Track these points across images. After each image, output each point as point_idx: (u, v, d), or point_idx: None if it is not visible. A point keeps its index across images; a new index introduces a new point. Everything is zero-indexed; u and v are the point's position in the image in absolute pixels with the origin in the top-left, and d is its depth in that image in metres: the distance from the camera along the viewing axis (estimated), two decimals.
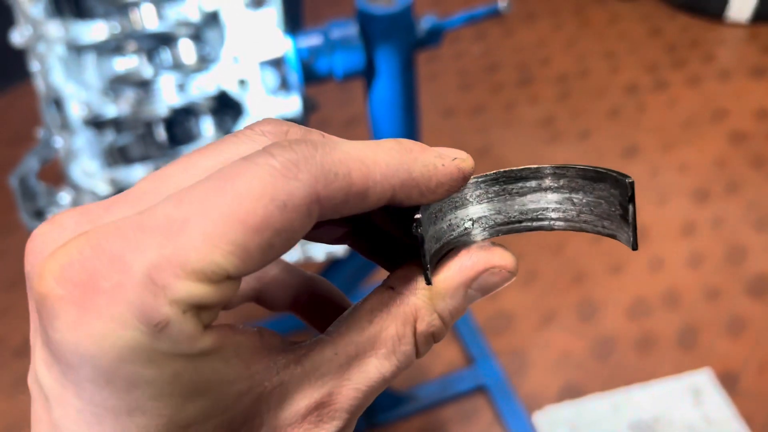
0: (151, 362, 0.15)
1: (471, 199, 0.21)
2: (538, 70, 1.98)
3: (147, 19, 0.69)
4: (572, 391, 1.20)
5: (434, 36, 0.80)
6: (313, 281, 0.25)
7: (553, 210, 0.21)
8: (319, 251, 0.77)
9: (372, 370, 0.19)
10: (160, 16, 0.69)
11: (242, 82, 0.71)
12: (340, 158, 0.17)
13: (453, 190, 0.19)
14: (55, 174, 0.80)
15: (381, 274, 0.22)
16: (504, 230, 0.22)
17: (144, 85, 0.72)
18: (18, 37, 0.72)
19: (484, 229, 0.22)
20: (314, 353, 0.18)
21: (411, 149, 0.19)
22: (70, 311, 0.14)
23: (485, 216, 0.22)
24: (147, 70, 0.71)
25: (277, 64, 0.72)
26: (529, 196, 0.21)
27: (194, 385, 0.15)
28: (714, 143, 1.68)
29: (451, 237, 0.21)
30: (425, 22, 0.79)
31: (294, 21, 0.88)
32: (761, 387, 1.18)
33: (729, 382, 1.19)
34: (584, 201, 0.21)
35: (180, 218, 0.15)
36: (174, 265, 0.15)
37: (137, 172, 0.71)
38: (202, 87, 0.71)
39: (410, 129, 0.86)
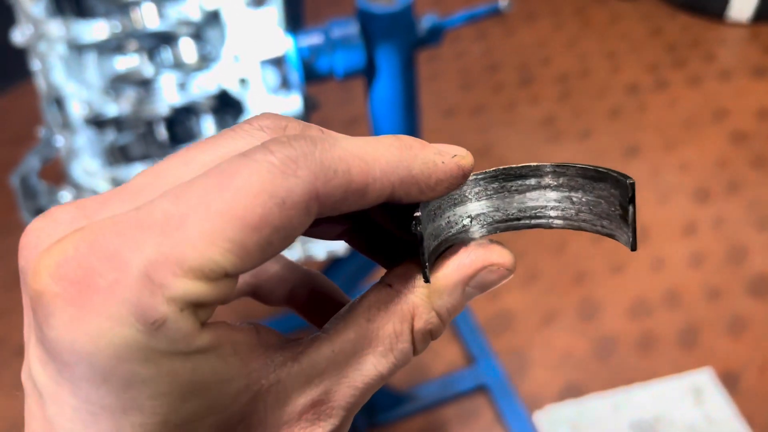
0: (148, 360, 0.14)
1: (470, 196, 0.21)
2: (539, 69, 1.98)
3: (148, 18, 0.69)
4: (573, 391, 1.20)
5: (435, 35, 0.80)
6: (310, 276, 0.25)
7: (552, 208, 0.21)
8: (320, 250, 0.77)
9: (369, 367, 0.19)
10: (161, 15, 0.69)
11: (243, 81, 0.71)
12: (340, 155, 0.17)
13: (452, 187, 0.19)
14: (56, 173, 0.80)
15: (381, 273, 0.22)
16: (502, 227, 0.22)
17: (145, 84, 0.72)
18: (19, 36, 0.72)
19: (482, 227, 0.22)
20: (311, 350, 0.18)
21: (411, 146, 0.18)
22: (65, 309, 0.14)
23: (484, 213, 0.22)
24: (148, 69, 0.71)
25: (277, 63, 0.72)
26: (528, 194, 0.21)
27: (191, 384, 0.15)
28: (715, 143, 1.67)
29: (450, 234, 0.21)
30: (426, 21, 0.79)
31: (295, 20, 0.88)
32: (762, 386, 1.18)
33: (730, 381, 1.19)
34: (584, 200, 0.21)
35: (178, 215, 0.15)
36: (171, 263, 0.14)
37: (138, 171, 0.71)
38: (203, 86, 0.71)
39: (411, 128, 0.86)
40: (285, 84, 0.73)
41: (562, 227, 0.21)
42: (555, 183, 0.21)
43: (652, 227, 1.47)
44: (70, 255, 0.15)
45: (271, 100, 0.72)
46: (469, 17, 0.81)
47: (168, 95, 0.71)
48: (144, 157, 0.74)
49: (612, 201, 0.20)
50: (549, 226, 0.21)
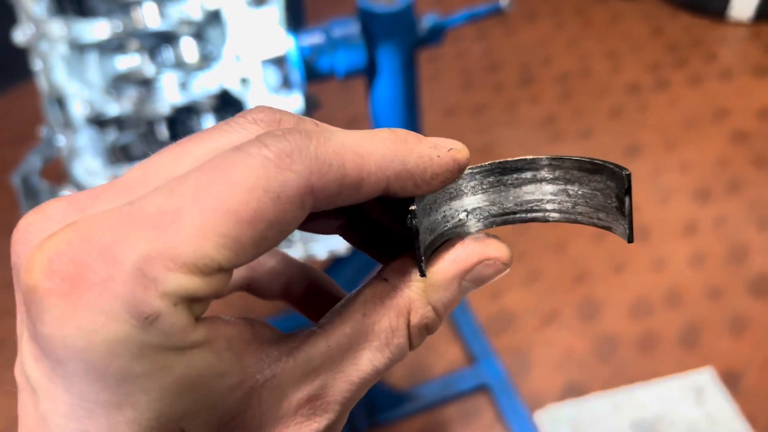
0: (142, 356, 0.14)
1: (466, 190, 0.21)
2: (540, 69, 1.98)
3: (149, 17, 0.69)
4: (574, 390, 1.20)
5: (435, 34, 0.80)
6: (305, 270, 0.25)
7: (549, 201, 0.21)
8: (321, 249, 0.77)
9: (365, 362, 0.18)
10: (162, 14, 0.69)
11: (244, 81, 0.71)
12: (335, 149, 0.17)
13: (448, 181, 0.19)
14: (58, 172, 0.80)
15: None
16: (499, 221, 0.22)
17: (146, 84, 0.72)
18: (20, 36, 0.72)
19: (478, 221, 0.21)
20: (307, 345, 0.18)
21: (406, 139, 0.18)
22: (58, 305, 0.14)
23: (480, 207, 0.21)
24: (149, 69, 0.71)
25: (278, 62, 0.72)
26: (524, 188, 0.21)
27: (185, 379, 0.15)
28: (716, 142, 1.67)
29: (446, 228, 0.21)
30: (426, 20, 0.79)
31: (296, 19, 0.88)
32: (763, 386, 1.18)
33: (731, 381, 1.19)
34: (580, 192, 0.21)
35: (171, 209, 0.15)
36: (165, 258, 0.14)
37: None
38: (204, 85, 0.71)
39: (411, 128, 0.86)
40: (286, 83, 0.73)
41: (558, 220, 0.21)
42: (551, 176, 0.21)
43: (652, 227, 1.47)
44: (62, 250, 0.14)
45: (273, 100, 0.72)
46: (469, 17, 0.81)
47: (169, 95, 0.71)
48: (145, 157, 0.74)
49: (608, 193, 0.20)
50: (545, 220, 0.21)
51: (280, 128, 0.17)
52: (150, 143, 0.75)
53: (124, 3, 0.69)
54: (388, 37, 0.76)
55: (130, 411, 0.15)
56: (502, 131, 1.77)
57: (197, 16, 0.70)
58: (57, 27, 0.68)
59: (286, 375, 0.17)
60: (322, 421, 0.18)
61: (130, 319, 0.14)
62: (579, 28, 2.14)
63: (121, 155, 0.74)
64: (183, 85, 0.71)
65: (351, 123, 1.78)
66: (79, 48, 0.70)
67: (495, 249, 0.20)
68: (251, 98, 0.71)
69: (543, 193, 0.21)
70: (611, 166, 0.20)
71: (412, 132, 0.19)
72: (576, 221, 0.21)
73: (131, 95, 0.71)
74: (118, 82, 0.72)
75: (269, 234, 0.15)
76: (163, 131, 0.74)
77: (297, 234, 0.76)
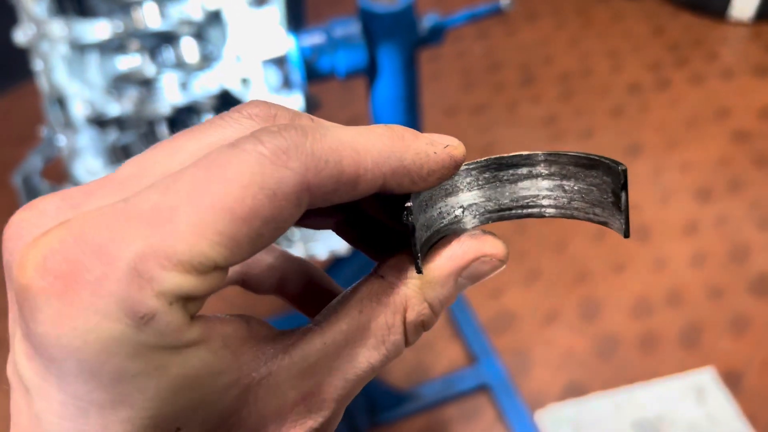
0: (137, 355, 0.14)
1: (462, 186, 0.21)
2: (541, 69, 1.98)
3: (150, 17, 0.69)
4: (575, 390, 1.20)
5: (436, 34, 0.80)
6: (299, 265, 0.25)
7: (545, 197, 0.21)
8: (322, 249, 0.77)
9: (361, 359, 0.18)
10: (162, 14, 0.69)
11: (245, 81, 0.71)
12: (331, 145, 0.16)
13: (444, 177, 0.19)
14: (59, 172, 0.80)
15: None
16: (494, 217, 0.22)
17: (147, 84, 0.72)
18: (21, 36, 0.72)
19: (474, 217, 0.21)
20: (303, 343, 0.18)
21: (402, 136, 0.18)
22: (52, 304, 0.14)
23: (476, 203, 0.21)
24: (150, 69, 0.71)
25: (279, 62, 0.72)
26: (520, 183, 0.21)
27: (181, 377, 0.15)
28: (717, 142, 1.67)
29: (442, 225, 0.21)
30: (427, 20, 0.79)
31: (296, 19, 0.88)
32: (764, 386, 1.18)
33: (732, 380, 1.19)
34: (576, 188, 0.21)
35: (167, 207, 0.15)
36: (160, 256, 0.14)
37: None
38: (205, 86, 0.71)
39: (412, 127, 0.86)
40: (287, 83, 0.73)
41: (554, 216, 0.21)
42: (547, 172, 0.21)
43: (653, 226, 1.47)
44: (56, 248, 0.14)
45: (273, 100, 0.72)
46: (470, 16, 0.81)
47: (170, 95, 0.71)
48: None
49: (604, 188, 0.20)
50: (541, 215, 0.21)
51: (276, 124, 0.17)
52: (151, 143, 0.75)
53: (125, 3, 0.69)
54: (388, 37, 0.76)
55: (125, 410, 0.15)
56: (502, 131, 1.77)
57: (198, 16, 0.70)
58: (58, 27, 0.68)
59: (282, 373, 0.17)
60: (317, 418, 0.18)
61: (125, 319, 0.14)
62: (580, 28, 2.14)
63: (121, 155, 0.74)
64: (183, 86, 0.71)
65: (351, 123, 1.77)
66: (79, 48, 0.70)
67: (491, 246, 0.20)
68: (252, 98, 0.71)
69: (539, 188, 0.21)
70: (607, 162, 0.20)
71: (408, 128, 0.19)
72: (572, 216, 0.21)
73: (132, 95, 0.71)
74: (119, 82, 0.72)
75: (265, 231, 0.15)
76: (163, 131, 0.74)
77: (297, 233, 0.77)
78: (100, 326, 0.14)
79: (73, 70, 0.70)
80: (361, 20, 0.76)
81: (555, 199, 0.21)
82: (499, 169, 0.21)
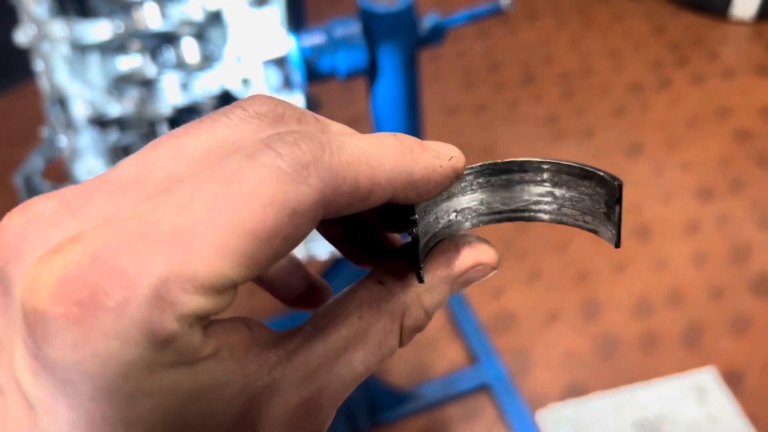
0: (153, 374, 0.14)
1: (456, 191, 0.22)
2: (542, 68, 1.98)
3: (150, 18, 0.69)
4: (576, 390, 1.20)
5: (437, 34, 0.80)
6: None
7: (535, 203, 0.22)
8: (323, 250, 0.77)
9: (358, 363, 0.19)
10: (163, 15, 0.69)
11: (245, 81, 0.71)
12: (348, 159, 0.16)
13: (445, 188, 0.19)
14: (60, 173, 0.80)
15: None
16: (486, 220, 0.22)
17: (147, 85, 0.72)
18: (22, 36, 0.72)
19: (467, 220, 0.22)
20: (305, 349, 0.18)
21: (411, 149, 0.18)
22: (70, 330, 0.14)
23: (469, 207, 0.22)
24: (150, 69, 0.71)
25: (280, 62, 0.72)
26: (512, 188, 0.22)
27: (192, 391, 0.15)
28: (718, 141, 1.67)
29: (437, 229, 0.21)
30: (428, 20, 0.79)
31: (297, 19, 0.88)
32: (765, 386, 1.18)
33: (733, 380, 1.19)
34: (567, 195, 0.21)
35: (186, 227, 0.14)
36: (183, 280, 0.14)
37: None
38: (206, 86, 0.71)
39: (413, 127, 0.86)
40: (287, 84, 0.73)
41: (544, 220, 0.22)
42: (539, 178, 0.21)
43: (654, 226, 1.47)
44: (72, 272, 0.14)
45: None
46: (470, 16, 0.81)
47: (170, 95, 0.71)
48: None
49: (597, 199, 0.21)
50: (531, 219, 0.22)
51: (290, 131, 0.16)
52: None
53: (126, 4, 0.69)
54: (389, 37, 0.76)
55: (138, 427, 0.15)
56: (503, 131, 1.77)
57: (198, 16, 0.70)
58: (59, 28, 0.68)
59: (284, 380, 0.17)
60: (316, 421, 0.18)
61: (146, 343, 0.14)
62: (580, 27, 2.14)
63: (122, 156, 0.74)
64: (184, 86, 0.71)
65: (352, 123, 1.77)
66: (80, 49, 0.70)
67: (486, 254, 0.21)
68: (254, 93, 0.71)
69: (531, 194, 0.22)
70: (602, 174, 0.20)
71: (413, 138, 0.19)
72: (561, 222, 0.22)
73: (133, 96, 0.71)
74: (120, 83, 0.72)
75: (283, 249, 0.15)
76: (164, 132, 0.74)
77: None
78: (120, 352, 0.14)
79: (74, 71, 0.70)
80: (362, 20, 0.76)
81: (545, 204, 0.22)
82: (492, 174, 0.21)
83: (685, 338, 1.26)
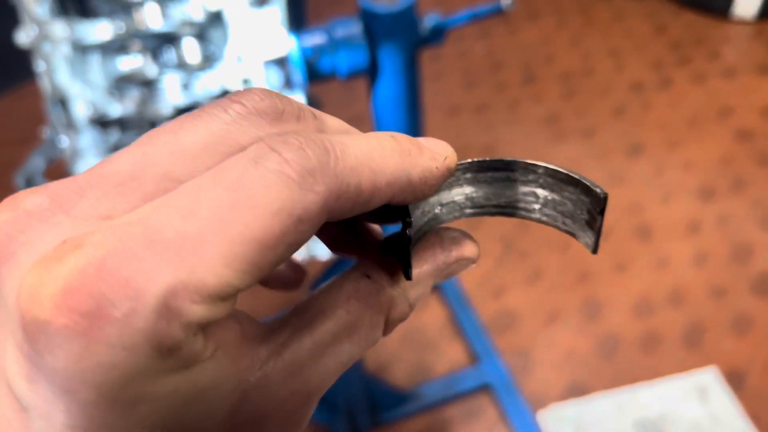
0: (155, 380, 0.14)
1: (443, 187, 0.22)
2: (542, 68, 1.98)
3: (151, 18, 0.69)
4: (577, 390, 1.20)
5: (437, 34, 0.80)
6: None
7: (517, 200, 0.22)
8: (324, 250, 0.77)
9: (344, 355, 0.19)
10: (164, 15, 0.69)
11: (246, 81, 0.71)
12: (352, 166, 0.16)
13: (439, 188, 0.20)
14: (61, 173, 0.80)
15: None
16: (469, 213, 0.23)
17: (148, 85, 0.72)
18: (23, 37, 0.72)
19: (449, 213, 0.22)
20: (294, 343, 0.18)
21: (410, 151, 0.18)
22: (76, 342, 0.13)
23: (454, 201, 0.22)
24: (151, 70, 0.71)
25: (280, 62, 0.72)
26: (496, 185, 0.22)
27: (190, 393, 0.15)
28: (719, 141, 1.67)
29: (422, 222, 0.22)
30: (428, 20, 0.79)
31: (297, 20, 0.88)
32: (767, 385, 1.18)
33: (735, 380, 1.18)
34: (550, 198, 0.22)
35: (193, 236, 0.14)
36: (190, 290, 0.14)
37: None
38: (206, 86, 0.71)
39: (414, 127, 0.86)
40: (288, 84, 0.73)
41: (524, 218, 0.22)
42: (524, 178, 0.22)
43: (655, 226, 1.47)
44: (77, 282, 0.13)
45: None
46: (471, 16, 0.81)
47: (171, 95, 0.71)
48: None
49: (579, 205, 0.21)
50: (512, 215, 0.23)
51: (293, 133, 0.16)
52: None
53: (127, 4, 0.69)
54: (389, 37, 0.76)
55: (137, 429, 0.15)
56: (504, 130, 1.77)
57: (199, 16, 0.70)
58: (60, 28, 0.68)
59: (275, 375, 0.17)
60: (303, 412, 0.18)
61: (151, 351, 0.14)
62: (581, 27, 2.13)
63: None
64: (185, 86, 0.71)
65: (353, 122, 1.76)
66: (81, 49, 0.70)
67: (469, 250, 0.22)
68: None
69: (514, 192, 0.22)
70: (587, 183, 0.20)
71: (410, 139, 0.19)
72: (540, 221, 0.22)
73: (134, 96, 0.71)
74: (121, 83, 0.72)
75: (287, 254, 0.15)
76: None
77: None
78: (126, 361, 0.14)
79: (75, 71, 0.70)
80: (362, 20, 0.76)
81: (528, 203, 0.22)
82: (479, 171, 0.22)
83: (687, 338, 1.26)
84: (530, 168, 0.21)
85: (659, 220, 1.48)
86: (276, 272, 0.25)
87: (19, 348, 0.14)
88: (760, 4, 2.02)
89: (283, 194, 0.15)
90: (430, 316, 1.33)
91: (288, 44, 0.72)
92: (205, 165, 0.16)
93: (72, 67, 0.70)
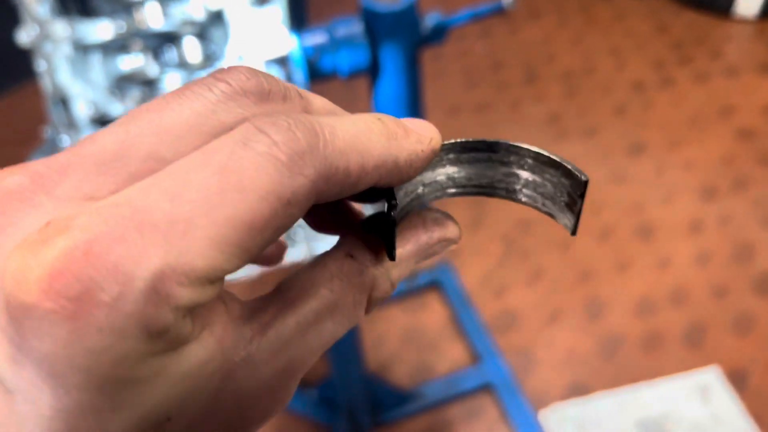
0: (143, 362, 0.14)
1: (427, 167, 0.22)
2: (544, 67, 1.97)
3: (152, 17, 0.69)
4: (579, 389, 1.20)
5: (439, 33, 0.79)
6: None
7: (498, 181, 0.22)
8: (325, 249, 0.77)
9: (327, 334, 0.19)
10: (165, 14, 0.69)
11: None
12: (341, 149, 0.16)
13: (424, 169, 0.20)
14: None
15: None
16: (451, 193, 0.23)
17: (150, 84, 0.72)
18: (24, 36, 0.72)
19: (431, 193, 0.23)
20: (278, 322, 0.18)
21: (395, 134, 0.18)
22: (63, 326, 0.13)
23: (437, 181, 0.23)
24: (152, 69, 0.71)
25: (282, 62, 0.72)
26: (477, 165, 0.22)
27: (176, 373, 0.15)
28: (721, 140, 1.67)
29: (406, 202, 0.22)
30: (430, 19, 0.79)
31: (299, 19, 0.88)
32: None
33: (737, 379, 1.18)
34: (530, 179, 0.22)
35: (182, 219, 0.14)
36: (179, 274, 0.14)
37: None
38: None
39: None
40: (289, 83, 0.73)
41: (503, 198, 0.23)
42: (505, 159, 0.22)
43: (657, 225, 1.47)
44: (64, 266, 0.13)
45: None
46: (473, 15, 0.81)
47: None
48: None
49: (560, 188, 0.21)
50: (492, 195, 0.23)
51: (281, 114, 0.16)
52: None
53: (128, 3, 0.69)
54: (391, 37, 0.76)
55: (124, 411, 0.15)
56: (506, 130, 1.76)
57: (200, 16, 0.70)
58: (61, 28, 0.68)
59: (259, 354, 0.17)
60: (287, 389, 0.18)
61: (140, 335, 0.14)
62: (583, 26, 2.13)
63: None
64: None
65: None
66: (82, 48, 0.70)
67: (451, 231, 0.22)
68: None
69: (495, 172, 0.22)
70: (569, 166, 0.20)
71: (396, 121, 0.19)
72: (520, 201, 0.22)
73: (135, 95, 0.71)
74: (122, 83, 0.72)
75: (274, 237, 0.15)
76: None
77: (301, 233, 0.77)
78: (114, 345, 0.14)
79: (76, 71, 0.70)
80: (364, 19, 0.76)
81: (508, 184, 0.22)
82: (462, 151, 0.22)
83: (688, 338, 1.26)
84: (512, 150, 0.22)
85: (660, 220, 1.47)
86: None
87: (3, 331, 0.14)
88: (761, 3, 2.02)
89: (272, 177, 0.15)
90: (432, 316, 1.33)
91: (289, 43, 0.71)
92: (190, 145, 0.16)
93: (73, 66, 0.70)
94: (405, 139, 0.18)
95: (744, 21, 2.06)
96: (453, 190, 0.23)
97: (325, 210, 0.23)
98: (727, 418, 1.13)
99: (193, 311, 0.15)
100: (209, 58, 0.73)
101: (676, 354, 1.23)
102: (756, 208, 1.49)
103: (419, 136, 0.19)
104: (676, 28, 2.08)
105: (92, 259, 0.13)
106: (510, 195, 0.22)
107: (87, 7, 0.71)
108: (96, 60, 0.71)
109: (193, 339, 0.15)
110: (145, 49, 0.71)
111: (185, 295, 0.14)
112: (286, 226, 0.15)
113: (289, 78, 0.73)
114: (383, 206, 0.20)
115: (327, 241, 0.77)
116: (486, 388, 1.20)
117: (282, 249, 0.27)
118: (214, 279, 0.14)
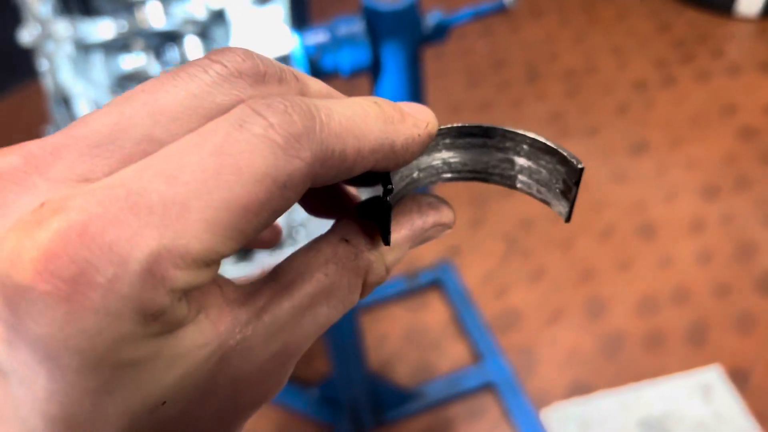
0: (138, 344, 0.14)
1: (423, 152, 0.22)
2: (545, 66, 1.97)
3: (154, 17, 0.69)
4: (581, 388, 1.20)
5: (440, 32, 0.79)
6: None
7: (493, 166, 0.22)
8: None
9: (322, 318, 0.19)
10: (166, 13, 0.69)
11: None
12: (337, 132, 0.16)
13: (420, 154, 0.20)
14: None
15: None
16: (446, 178, 0.23)
17: None
18: (26, 36, 0.72)
19: (426, 178, 0.23)
20: (273, 306, 0.18)
21: (392, 118, 0.18)
22: (59, 308, 0.13)
23: (432, 166, 0.22)
24: (154, 68, 0.71)
25: (283, 61, 0.72)
26: (473, 151, 0.22)
27: (172, 357, 0.15)
28: (723, 139, 1.66)
29: (401, 186, 0.22)
30: (431, 18, 0.79)
31: (300, 17, 0.88)
32: None
33: (739, 378, 1.18)
34: (525, 165, 0.22)
35: (178, 201, 0.14)
36: (175, 256, 0.14)
37: None
38: None
39: None
40: None
41: (498, 183, 0.22)
42: (501, 145, 0.22)
43: (659, 224, 1.46)
44: (59, 247, 0.13)
45: None
46: (474, 14, 0.81)
47: None
48: None
49: (555, 174, 0.21)
50: (487, 181, 0.23)
51: (277, 96, 0.16)
52: None
53: (129, 2, 0.69)
54: (392, 35, 0.76)
55: (120, 393, 0.15)
56: None
57: (202, 15, 0.70)
58: (63, 27, 0.68)
59: (255, 337, 0.17)
60: (281, 373, 0.18)
61: (135, 317, 0.14)
62: (585, 25, 2.13)
63: None
64: None
65: None
66: (84, 48, 0.70)
67: (446, 215, 0.22)
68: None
69: (491, 158, 0.22)
70: (564, 153, 0.20)
71: (392, 104, 0.19)
72: (514, 187, 0.22)
73: None
74: (124, 82, 0.72)
75: (270, 220, 0.15)
76: None
77: (303, 232, 0.77)
78: (109, 327, 0.14)
79: (78, 70, 0.70)
80: (365, 18, 0.76)
81: (502, 170, 0.22)
82: (457, 136, 0.22)
83: (691, 336, 1.26)
84: (508, 135, 0.21)
85: (663, 219, 1.47)
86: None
87: (2, 314, 0.14)
88: (763, 1, 2.02)
89: (268, 160, 0.14)
90: (433, 315, 1.33)
91: (291, 42, 0.71)
92: (185, 127, 0.16)
93: (75, 65, 0.70)
94: (401, 123, 0.18)
95: (746, 20, 2.06)
96: (448, 175, 0.23)
97: (321, 194, 0.22)
98: (729, 417, 1.13)
99: (188, 294, 0.15)
100: None
101: (678, 353, 1.23)
102: (758, 207, 1.48)
103: (416, 120, 0.19)
104: (677, 28, 2.07)
105: (87, 241, 0.13)
106: (505, 181, 0.22)
107: (89, 6, 0.71)
108: (98, 59, 0.71)
109: (189, 322, 0.15)
110: (146, 49, 0.71)
111: (181, 277, 0.14)
112: (282, 209, 0.15)
113: None
114: (379, 190, 0.20)
115: None
116: (488, 388, 1.20)
117: (277, 233, 0.27)
118: (210, 261, 0.14)
